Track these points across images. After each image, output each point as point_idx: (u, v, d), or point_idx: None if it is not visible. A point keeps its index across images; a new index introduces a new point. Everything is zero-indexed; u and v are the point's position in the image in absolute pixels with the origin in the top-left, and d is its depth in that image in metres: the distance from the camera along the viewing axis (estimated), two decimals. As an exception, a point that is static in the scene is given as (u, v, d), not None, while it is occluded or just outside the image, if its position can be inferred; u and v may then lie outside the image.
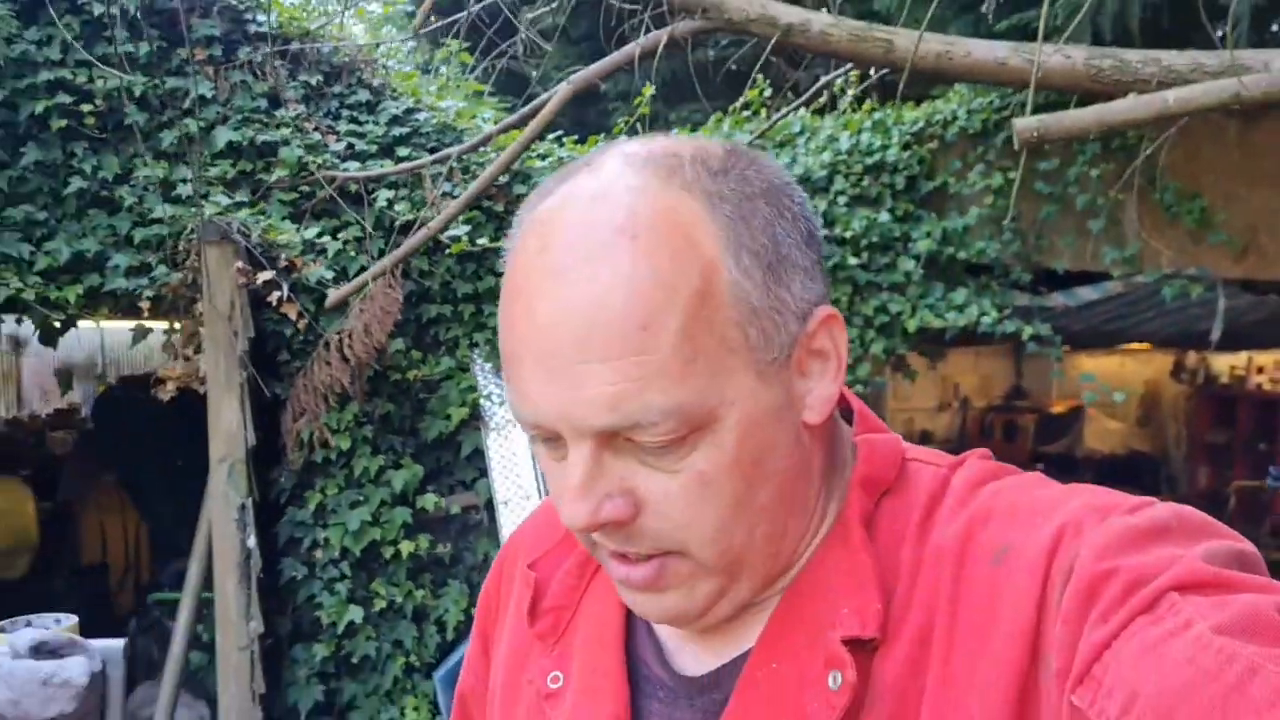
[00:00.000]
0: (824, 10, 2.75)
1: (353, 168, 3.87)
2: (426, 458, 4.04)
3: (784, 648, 0.72)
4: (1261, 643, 0.54)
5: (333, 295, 3.41)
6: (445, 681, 3.61)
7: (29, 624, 1.67)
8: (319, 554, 3.72)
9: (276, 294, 3.39)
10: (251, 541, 3.38)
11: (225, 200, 3.57)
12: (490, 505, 4.13)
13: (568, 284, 0.65)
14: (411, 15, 3.34)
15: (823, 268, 0.74)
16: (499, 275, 2.80)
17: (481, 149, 3.74)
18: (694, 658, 0.78)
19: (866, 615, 0.68)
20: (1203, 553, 0.60)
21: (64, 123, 3.55)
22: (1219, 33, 3.33)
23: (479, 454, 4.16)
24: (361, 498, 3.78)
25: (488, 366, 4.18)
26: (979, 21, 3.20)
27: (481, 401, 4.10)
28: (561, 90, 2.97)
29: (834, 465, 0.77)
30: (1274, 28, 4.85)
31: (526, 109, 3.19)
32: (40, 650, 1.61)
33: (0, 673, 1.54)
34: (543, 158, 4.20)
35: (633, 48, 2.83)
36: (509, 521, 4.10)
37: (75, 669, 1.61)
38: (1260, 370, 9.87)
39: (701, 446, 0.66)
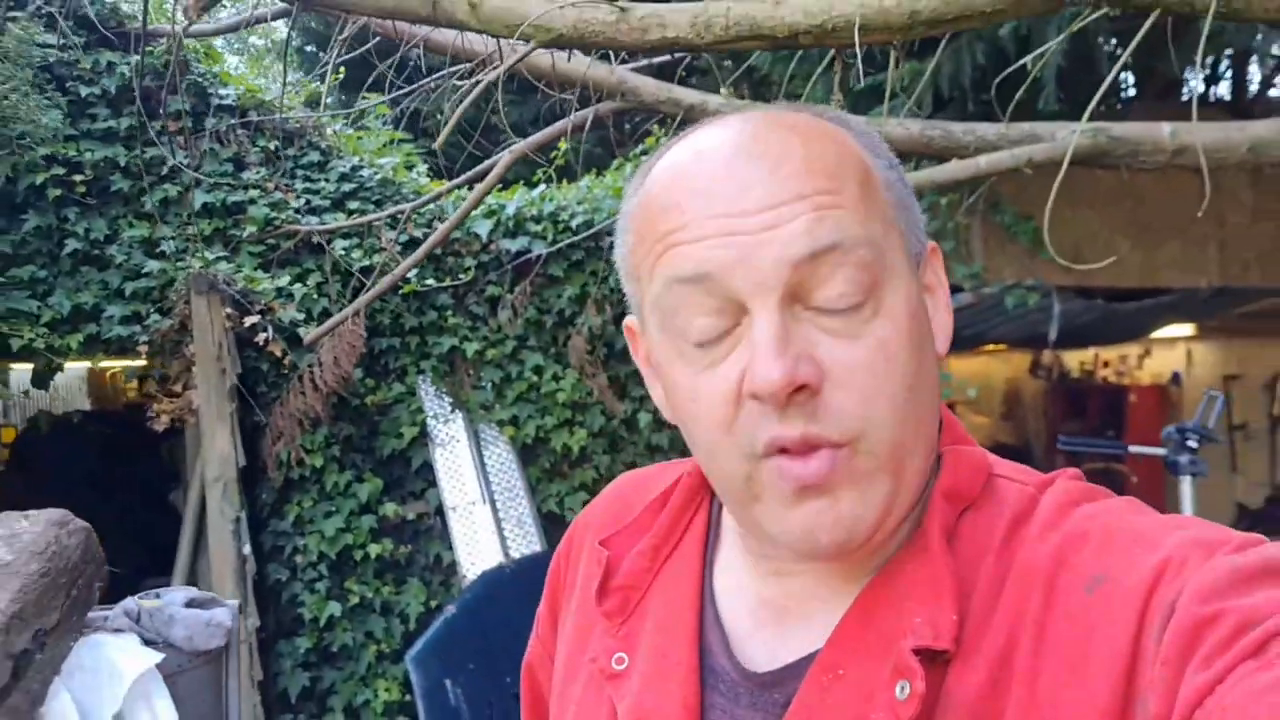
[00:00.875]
0: (720, 92, 3.43)
1: (311, 221, 4.44)
2: (383, 471, 4.61)
3: (852, 652, 0.69)
4: None
5: (310, 334, 3.98)
6: (415, 661, 4.18)
7: (156, 594, 2.22)
8: (299, 558, 4.27)
9: (262, 335, 3.95)
10: (247, 549, 3.92)
11: (208, 255, 4.11)
12: (440, 511, 4.72)
13: (744, 151, 0.68)
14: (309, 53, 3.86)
15: None
16: (439, 309, 3.62)
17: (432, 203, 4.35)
18: (764, 648, 0.76)
19: (940, 626, 0.66)
20: None
21: (58, 191, 4.04)
22: (1041, 89, 4.13)
23: (427, 467, 4.74)
24: (334, 508, 4.34)
25: (432, 390, 4.77)
26: (853, 98, 3.92)
27: (429, 421, 4.69)
28: (505, 158, 3.60)
29: (931, 457, 0.75)
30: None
31: (472, 172, 3.82)
32: (192, 604, 2.17)
33: (177, 618, 2.10)
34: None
35: (565, 123, 3.48)
36: (457, 525, 4.69)
37: (222, 615, 2.16)
38: (1106, 364, 10.96)
39: (880, 314, 0.67)
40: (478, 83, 3.58)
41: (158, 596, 2.15)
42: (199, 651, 2.06)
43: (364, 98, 4.98)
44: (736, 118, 0.72)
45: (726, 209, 0.66)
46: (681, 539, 0.85)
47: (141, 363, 4.15)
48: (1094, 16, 2.17)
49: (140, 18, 4.19)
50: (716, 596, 0.81)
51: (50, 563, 1.88)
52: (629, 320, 0.82)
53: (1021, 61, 2.54)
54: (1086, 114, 2.42)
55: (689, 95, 3.37)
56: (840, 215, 0.66)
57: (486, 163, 3.64)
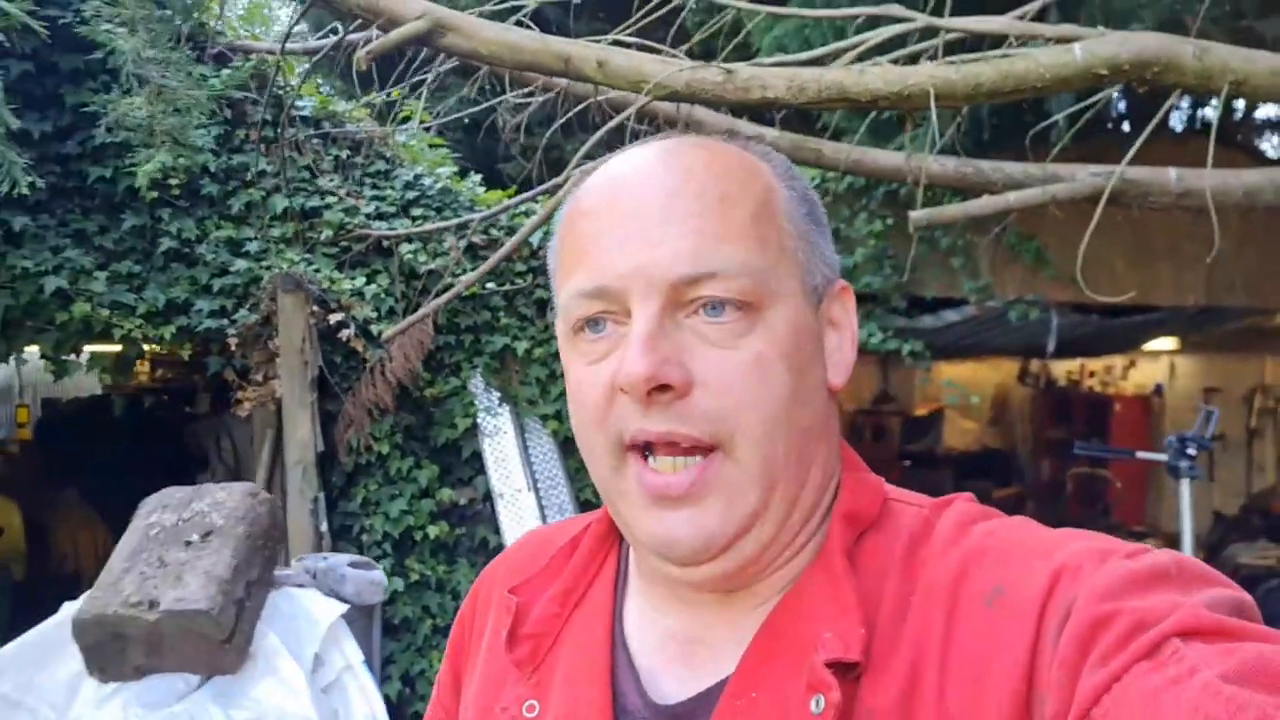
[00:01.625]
0: (773, 124, 3.82)
1: (380, 226, 4.81)
2: (438, 459, 4.98)
3: (764, 675, 0.71)
4: (1271, 692, 0.53)
5: (388, 332, 4.35)
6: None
7: (324, 558, 2.59)
8: (365, 537, 4.64)
9: (346, 331, 4.32)
10: (324, 526, 4.29)
11: (293, 256, 4.47)
12: (487, 497, 5.09)
13: (650, 168, 0.74)
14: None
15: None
16: (493, 310, 4.08)
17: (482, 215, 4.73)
18: (676, 681, 0.77)
19: (850, 639, 0.68)
20: (1205, 600, 0.60)
21: (154, 194, 4.39)
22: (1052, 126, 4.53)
23: (477, 456, 5.11)
24: (397, 492, 4.72)
25: (482, 385, 5.14)
26: (878, 132, 4.31)
27: (479, 413, 5.06)
28: (575, 178, 3.97)
29: (831, 481, 0.79)
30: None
31: (540, 188, 4.19)
32: (355, 565, 2.54)
33: (348, 576, 2.47)
34: (527, 215, 5.20)
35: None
36: (504, 510, 5.07)
37: (379, 575, 2.53)
38: (1091, 374, 11.40)
39: (757, 329, 0.71)
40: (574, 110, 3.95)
41: (324, 560, 2.53)
42: (363, 605, 2.44)
43: (418, 108, 5.31)
44: (660, 140, 0.79)
45: (626, 218, 0.72)
46: (592, 583, 0.86)
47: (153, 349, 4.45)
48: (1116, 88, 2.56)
49: (217, 33, 4.55)
50: (627, 637, 0.82)
51: (251, 526, 2.26)
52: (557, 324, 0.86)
53: (1053, 119, 2.95)
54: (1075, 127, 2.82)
55: (749, 128, 3.74)
56: (727, 242, 0.71)
57: (555, 180, 4.01)
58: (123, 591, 2.06)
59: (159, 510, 2.28)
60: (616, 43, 2.81)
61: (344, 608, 2.27)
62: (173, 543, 2.17)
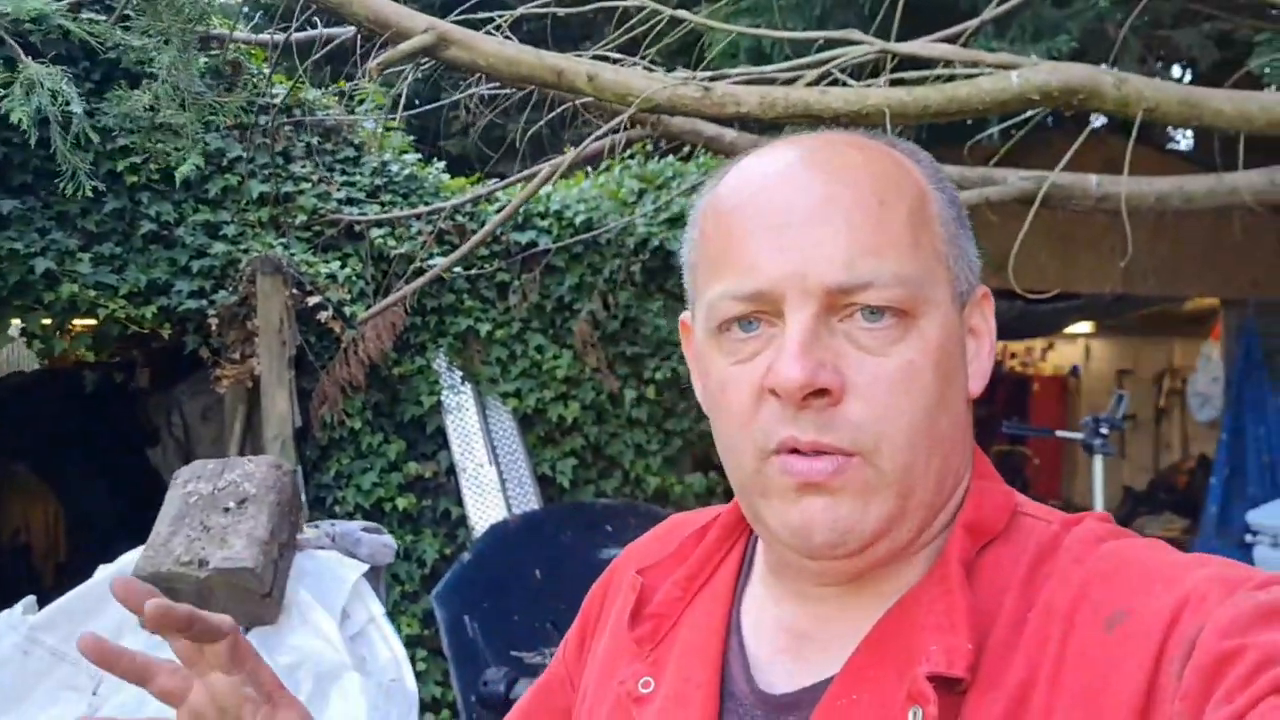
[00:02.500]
0: (733, 126, 4.11)
1: (350, 210, 5.02)
2: (404, 434, 5.22)
3: (868, 678, 0.71)
4: None
5: (364, 314, 4.58)
6: (439, 599, 4.82)
7: (332, 524, 2.84)
8: (338, 509, 4.88)
9: (324, 313, 4.53)
10: (303, 497, 4.51)
11: (270, 240, 4.66)
12: (451, 471, 5.34)
13: (804, 168, 0.73)
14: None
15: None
16: (456, 292, 4.39)
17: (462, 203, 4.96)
18: (784, 672, 0.79)
19: (955, 654, 0.67)
20: None
21: (135, 178, 4.55)
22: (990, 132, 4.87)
23: (440, 432, 5.36)
24: (368, 465, 4.96)
25: (445, 364, 5.38)
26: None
27: (443, 391, 5.31)
28: (545, 170, 4.24)
29: (962, 488, 0.78)
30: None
31: (514, 178, 4.45)
32: (368, 530, 2.80)
33: (363, 540, 2.73)
34: (490, 202, 5.45)
35: (601, 146, 4.13)
36: (466, 484, 5.33)
37: (389, 539, 2.78)
38: (1013, 356, 11.93)
39: (909, 337, 0.70)
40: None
41: (334, 526, 2.78)
42: (376, 565, 2.71)
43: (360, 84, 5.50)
44: (811, 136, 0.78)
45: (779, 218, 0.71)
46: (715, 571, 0.87)
47: (91, 322, 4.61)
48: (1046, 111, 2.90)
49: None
50: (742, 625, 0.83)
51: (279, 494, 2.52)
52: (684, 315, 0.88)
53: (989, 131, 3.29)
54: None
55: (709, 127, 4.02)
56: (882, 251, 0.70)
57: (531, 170, 4.25)
58: (174, 552, 2.30)
59: (194, 480, 2.52)
60: (598, 57, 3.08)
61: (364, 567, 2.54)
62: (212, 509, 2.41)
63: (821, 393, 0.69)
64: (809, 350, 0.69)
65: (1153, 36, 5.75)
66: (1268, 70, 4.58)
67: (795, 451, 0.71)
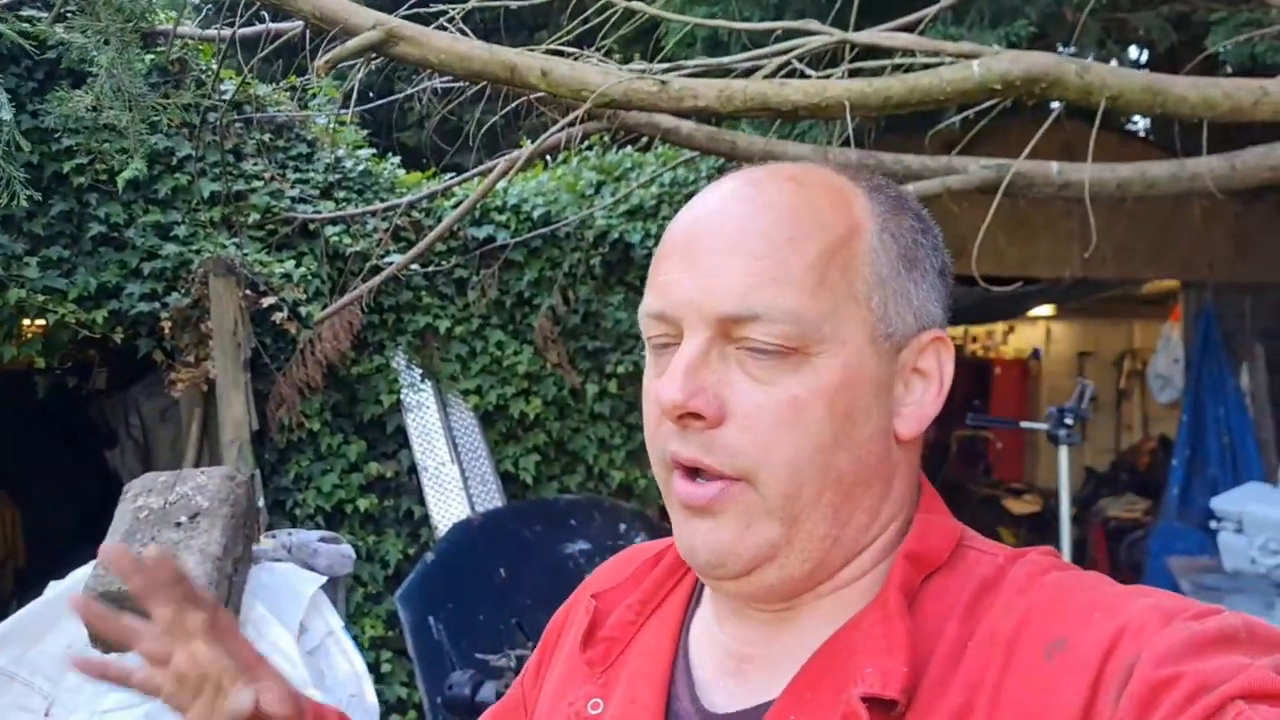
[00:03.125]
0: (691, 118, 4.06)
1: (303, 208, 4.92)
2: (364, 434, 5.14)
3: (806, 701, 0.73)
4: None
5: (323, 313, 4.49)
6: (402, 600, 4.75)
7: (289, 534, 2.77)
8: (298, 511, 4.80)
9: (279, 314, 4.44)
10: (261, 502, 4.42)
11: (223, 240, 4.56)
12: (412, 470, 5.27)
13: (732, 199, 0.76)
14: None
15: (947, 304, 0.80)
16: (414, 289, 4.33)
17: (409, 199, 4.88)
18: (726, 693, 0.80)
19: (890, 677, 0.68)
20: (1272, 663, 0.59)
21: (81, 179, 4.43)
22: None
23: (400, 431, 5.28)
24: (328, 467, 4.87)
25: (404, 362, 5.30)
26: (789, 129, 4.57)
27: (403, 390, 5.23)
28: (502, 164, 4.17)
29: (904, 520, 0.79)
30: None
31: (471, 173, 4.37)
32: (325, 540, 2.73)
33: (320, 551, 2.66)
34: (447, 197, 5.37)
35: (561, 137, 4.06)
36: (428, 483, 5.26)
37: (348, 549, 2.71)
38: (974, 340, 12.00)
39: (802, 372, 0.72)
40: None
41: (291, 536, 2.72)
42: (334, 576, 2.64)
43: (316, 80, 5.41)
44: (766, 168, 0.80)
45: (694, 246, 0.75)
46: (668, 595, 0.90)
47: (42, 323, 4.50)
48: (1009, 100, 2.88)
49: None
50: (690, 647, 0.86)
51: (233, 507, 2.45)
52: None
53: (952, 120, 3.26)
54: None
55: (666, 120, 3.97)
56: (780, 287, 0.71)
57: (487, 165, 4.18)
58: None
59: (144, 494, 2.44)
60: (552, 50, 3.02)
61: (322, 580, 2.48)
62: (163, 524, 2.34)
63: (697, 416, 0.72)
64: (691, 374, 0.72)
65: (1110, 19, 5.75)
66: (1225, 49, 4.59)
67: (686, 473, 0.75)
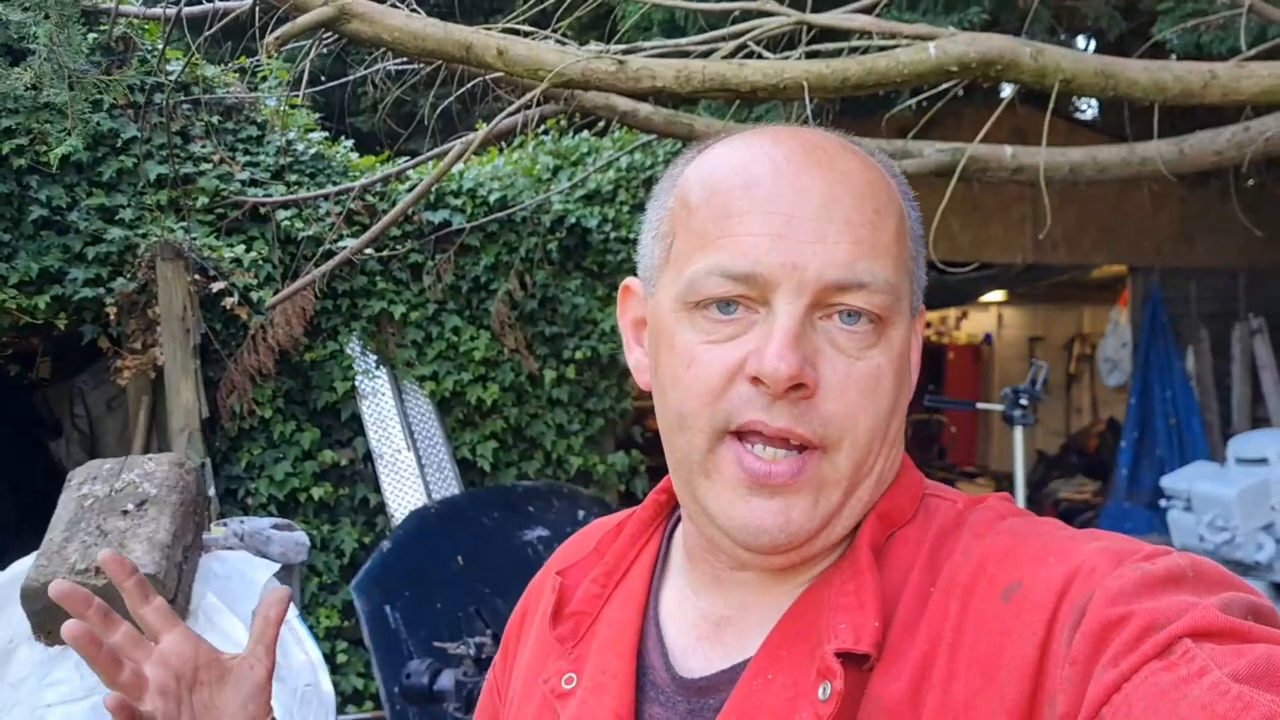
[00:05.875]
0: (649, 101, 4.03)
1: (254, 192, 4.83)
2: (318, 421, 5.07)
3: (781, 658, 0.74)
4: (1278, 692, 0.53)
5: (272, 299, 4.41)
6: (358, 590, 4.70)
7: (241, 521, 2.71)
8: (250, 500, 4.72)
9: (229, 300, 4.36)
10: (211, 491, 4.35)
11: (171, 224, 4.47)
12: (368, 458, 5.22)
13: (807, 161, 0.74)
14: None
15: None
16: (368, 274, 4.27)
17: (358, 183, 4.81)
18: (702, 658, 0.81)
19: (862, 631, 0.70)
20: (1219, 602, 0.60)
21: (22, 161, 4.32)
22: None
23: (355, 418, 5.22)
24: (281, 455, 4.80)
25: (359, 348, 5.24)
26: (747, 112, 4.57)
27: (358, 376, 5.17)
28: (458, 147, 4.12)
29: (885, 487, 0.80)
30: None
31: (426, 156, 4.31)
32: (278, 527, 2.67)
33: (273, 538, 2.60)
34: (401, 181, 5.30)
35: (516, 120, 4.03)
36: (384, 470, 5.20)
37: (302, 536, 2.66)
38: (928, 325, 12.08)
39: (880, 344, 0.73)
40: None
41: (243, 524, 2.67)
42: (288, 564, 2.60)
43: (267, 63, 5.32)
44: (808, 132, 0.79)
45: (782, 207, 0.72)
46: (632, 565, 0.90)
47: None
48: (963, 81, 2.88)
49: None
50: (660, 614, 0.86)
51: (182, 494, 2.40)
52: (630, 281, 0.88)
53: (908, 104, 3.26)
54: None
55: (623, 103, 3.94)
56: (877, 256, 0.73)
57: (443, 148, 4.13)
58: (68, 559, 2.17)
59: (89, 482, 2.38)
60: (508, 30, 2.98)
61: (275, 567, 2.43)
62: (109, 512, 2.28)
63: (799, 386, 0.71)
64: (798, 344, 0.70)
65: (1061, 6, 5.79)
66: (1172, 38, 4.64)
67: (749, 440, 0.73)
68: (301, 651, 2.33)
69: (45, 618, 2.18)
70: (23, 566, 2.28)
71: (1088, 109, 8.84)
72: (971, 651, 0.68)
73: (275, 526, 2.62)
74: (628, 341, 0.88)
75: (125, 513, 2.29)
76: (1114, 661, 0.60)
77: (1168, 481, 4.84)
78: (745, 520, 0.74)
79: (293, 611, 2.39)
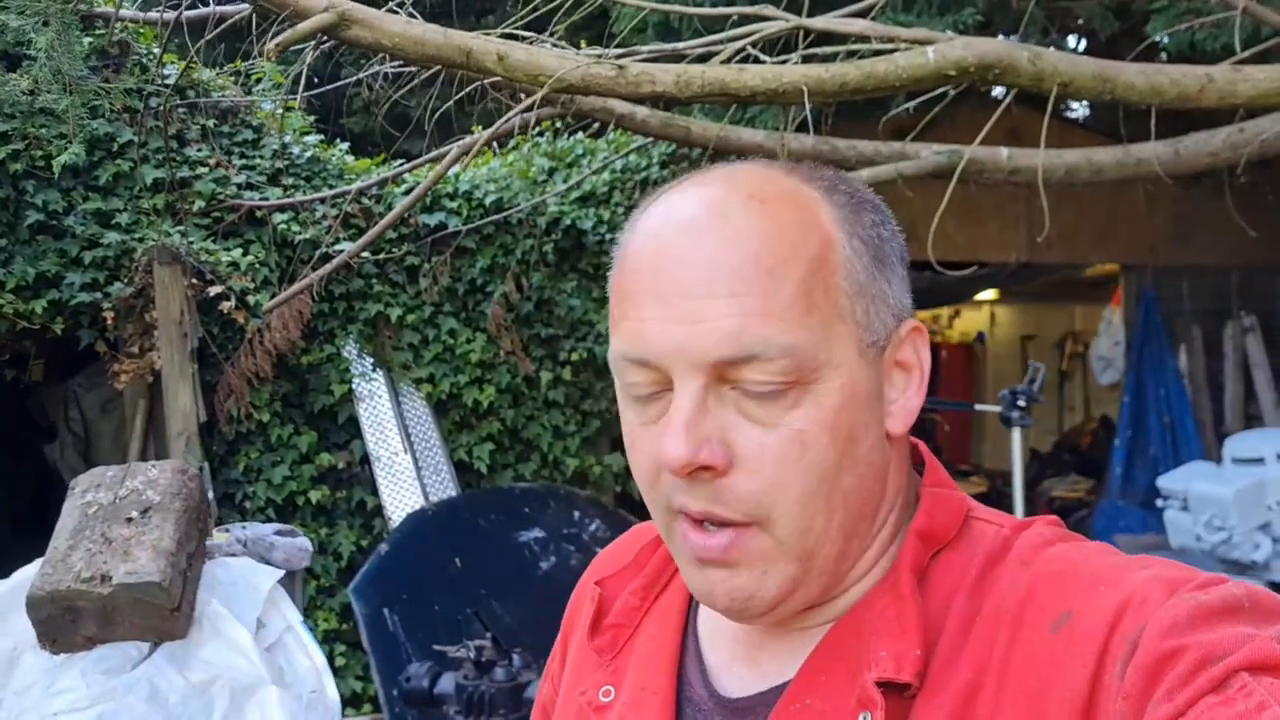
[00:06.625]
0: (645, 104, 4.04)
1: (250, 195, 4.83)
2: (315, 425, 5.07)
3: (820, 684, 0.72)
4: None
5: (269, 303, 4.41)
6: (357, 593, 4.70)
7: (243, 528, 2.71)
8: (248, 504, 4.72)
9: (226, 303, 4.36)
10: (210, 494, 4.35)
11: (167, 229, 4.47)
12: (365, 460, 5.22)
13: (697, 230, 0.70)
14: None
15: (909, 287, 0.78)
16: (365, 277, 4.28)
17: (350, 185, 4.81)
18: (739, 679, 0.80)
19: (904, 660, 0.69)
20: (1277, 634, 0.59)
21: (18, 165, 4.31)
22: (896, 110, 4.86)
23: (352, 421, 5.22)
24: (279, 458, 4.80)
25: (356, 351, 5.24)
26: (743, 115, 4.58)
27: (354, 379, 5.16)
28: (455, 151, 4.13)
29: (902, 505, 0.79)
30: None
31: (422, 159, 4.32)
32: (281, 533, 2.68)
33: (276, 544, 2.61)
34: (397, 183, 5.30)
35: (514, 123, 4.03)
36: (381, 473, 5.20)
37: (305, 542, 2.66)
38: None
39: (803, 404, 0.69)
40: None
41: (244, 530, 2.67)
42: (291, 570, 2.60)
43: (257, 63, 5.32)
44: (722, 177, 0.75)
45: (665, 288, 0.70)
46: (672, 578, 0.89)
47: None
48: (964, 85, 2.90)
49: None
50: (699, 631, 0.85)
51: (186, 501, 2.40)
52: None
53: (905, 106, 3.28)
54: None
55: (620, 106, 3.96)
56: (768, 322, 0.68)
57: (438, 152, 4.13)
58: (74, 568, 2.17)
59: (93, 489, 2.38)
60: (506, 34, 2.99)
61: (279, 573, 2.43)
62: (114, 520, 2.28)
63: (707, 468, 0.69)
64: (693, 427, 0.68)
65: (1054, 7, 5.81)
66: (1164, 38, 4.66)
67: (693, 522, 0.72)
68: (306, 657, 2.34)
69: (50, 626, 2.19)
70: (27, 574, 2.28)
71: (1078, 108, 8.86)
72: (1019, 683, 0.66)
73: (278, 533, 2.63)
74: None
75: (129, 520, 2.29)
76: (1168, 696, 0.58)
77: (1164, 481, 4.87)
78: (705, 591, 0.74)
79: (297, 617, 2.40)
